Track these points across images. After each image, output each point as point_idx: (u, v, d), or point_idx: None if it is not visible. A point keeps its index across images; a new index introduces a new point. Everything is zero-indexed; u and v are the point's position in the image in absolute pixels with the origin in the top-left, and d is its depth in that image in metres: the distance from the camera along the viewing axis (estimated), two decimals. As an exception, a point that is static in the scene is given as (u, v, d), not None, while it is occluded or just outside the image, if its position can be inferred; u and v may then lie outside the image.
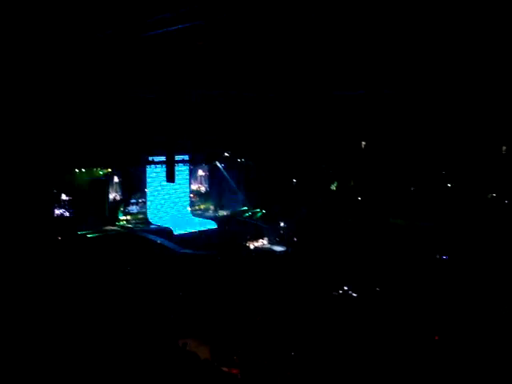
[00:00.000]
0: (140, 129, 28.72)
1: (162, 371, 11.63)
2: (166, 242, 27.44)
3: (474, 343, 14.62)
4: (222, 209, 35.81)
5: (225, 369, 13.20)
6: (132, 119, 28.31)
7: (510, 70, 19.98)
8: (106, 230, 29.28)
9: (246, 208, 36.46)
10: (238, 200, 36.71)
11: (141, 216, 31.80)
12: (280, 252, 26.67)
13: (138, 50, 18.40)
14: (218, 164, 35.41)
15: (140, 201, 31.94)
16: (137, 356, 12.15)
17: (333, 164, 34.40)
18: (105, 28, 16.08)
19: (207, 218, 33.61)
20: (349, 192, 33.86)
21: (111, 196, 30.55)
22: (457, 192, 29.56)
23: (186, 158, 33.23)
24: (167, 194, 32.93)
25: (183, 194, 34.20)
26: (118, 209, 30.99)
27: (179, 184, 32.91)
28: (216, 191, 36.02)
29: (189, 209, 34.46)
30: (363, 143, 33.30)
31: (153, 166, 31.67)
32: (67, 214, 28.20)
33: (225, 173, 35.69)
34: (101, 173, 29.49)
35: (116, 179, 30.98)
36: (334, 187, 34.70)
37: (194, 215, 34.27)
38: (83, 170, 28.55)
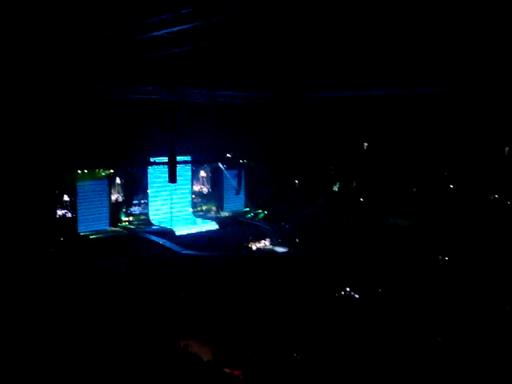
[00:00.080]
0: (142, 130, 28.74)
1: (165, 372, 11.63)
2: (168, 243, 27.42)
3: (477, 344, 14.60)
4: (224, 210, 35.80)
5: (227, 370, 13.20)
6: (134, 120, 28.34)
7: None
8: (108, 231, 29.30)
9: (248, 209, 36.49)
10: (240, 201, 36.72)
11: (143, 217, 31.80)
12: (282, 253, 26.63)
13: (139, 51, 18.39)
14: (220, 165, 35.39)
15: (142, 202, 31.95)
16: (139, 357, 12.15)
17: (335, 165, 34.38)
18: (106, 29, 16.09)
19: (209, 219, 33.61)
20: (351, 193, 33.83)
21: (113, 197, 30.55)
22: (459, 193, 29.51)
23: (188, 158, 33.19)
24: (169, 194, 32.96)
25: (185, 195, 34.19)
26: (120, 210, 30.99)
27: (181, 185, 32.94)
28: (218, 192, 36.01)
29: (191, 210, 34.46)
30: (365, 144, 33.27)
31: (155, 166, 31.63)
32: (69, 214, 28.21)
33: (227, 174, 35.68)
34: (103, 174, 29.47)
35: (118, 180, 30.99)
36: (336, 188, 34.68)
37: (196, 216, 34.27)
38: (85, 171, 28.52)
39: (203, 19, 13.32)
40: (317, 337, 15.38)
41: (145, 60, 19.36)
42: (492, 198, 28.46)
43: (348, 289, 19.85)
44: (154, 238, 28.53)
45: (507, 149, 27.45)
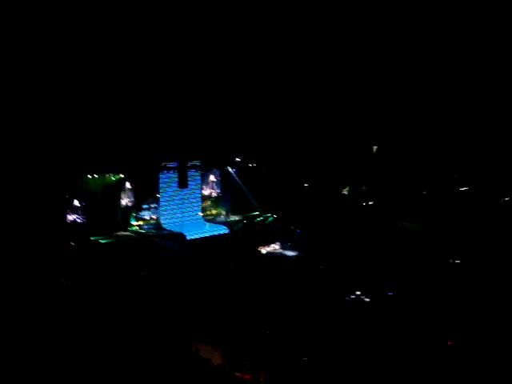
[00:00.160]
0: (152, 135, 28.85)
1: (176, 376, 11.66)
2: (179, 247, 27.48)
3: (488, 348, 14.53)
4: (233, 214, 35.80)
5: (237, 374, 13.21)
6: (145, 125, 28.45)
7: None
8: (119, 236, 29.39)
9: (257, 213, 36.45)
10: (249, 205, 36.70)
11: (153, 221, 31.89)
12: (292, 257, 26.61)
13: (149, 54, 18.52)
14: (230, 169, 35.41)
15: (152, 206, 32.04)
16: (150, 361, 12.18)
17: (345, 168, 34.32)
18: (120, 33, 16.23)
19: (219, 223, 33.64)
20: (361, 196, 33.76)
21: (123, 201, 30.66)
22: (469, 196, 29.39)
23: (198, 163, 33.24)
24: (180, 199, 33.04)
25: (195, 200, 34.24)
26: (131, 214, 31.09)
27: (191, 189, 33.01)
28: (228, 196, 36.01)
29: (201, 214, 34.50)
30: (375, 147, 33.21)
31: (165, 171, 31.73)
32: (80, 219, 28.34)
33: (236, 178, 35.68)
34: (113, 178, 29.59)
35: (128, 185, 31.10)
36: (346, 192, 34.62)
37: (206, 220, 34.31)
38: (96, 175, 28.66)
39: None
40: (327, 340, 15.37)
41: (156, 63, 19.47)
42: (502, 200, 28.33)
43: (358, 292, 19.81)
44: (164, 242, 28.61)
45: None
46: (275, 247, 28.36)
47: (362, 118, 30.87)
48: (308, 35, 15.69)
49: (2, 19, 14.53)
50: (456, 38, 16.90)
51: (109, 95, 25.46)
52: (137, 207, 31.42)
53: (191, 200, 33.86)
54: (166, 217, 32.34)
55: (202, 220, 34.18)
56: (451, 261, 24.26)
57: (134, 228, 30.74)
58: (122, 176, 29.91)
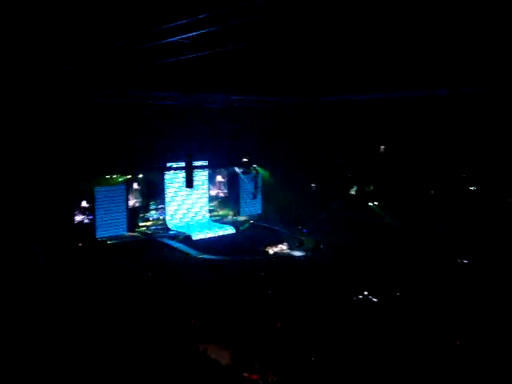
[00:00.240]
0: (159, 135, 28.91)
1: (183, 376, 11.64)
2: (185, 248, 27.52)
3: (496, 348, 14.46)
4: (240, 214, 35.83)
5: (245, 374, 13.19)
6: (151, 126, 28.51)
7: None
8: (126, 236, 29.47)
9: (265, 213, 36.48)
10: (256, 205, 36.74)
11: (160, 222, 31.94)
12: (299, 257, 26.57)
13: (156, 57, 18.52)
14: (237, 169, 35.43)
15: (159, 207, 32.09)
16: (158, 360, 12.17)
17: (352, 168, 34.28)
18: (122, 36, 16.23)
19: (226, 224, 33.67)
20: (368, 196, 33.70)
21: (130, 202, 30.71)
22: (478, 195, 29.26)
23: (205, 163, 33.27)
24: (186, 199, 33.10)
25: (202, 200, 34.28)
26: (138, 215, 31.16)
27: (198, 190, 33.06)
28: (235, 196, 36.05)
29: (208, 214, 34.54)
30: (382, 147, 33.13)
31: (172, 171, 31.80)
32: (87, 220, 28.40)
33: (244, 178, 35.72)
34: (120, 179, 29.65)
35: (135, 185, 31.15)
36: (353, 191, 34.56)
37: (213, 220, 34.33)
38: (103, 176, 28.74)
39: (220, 23, 13.37)
40: (334, 340, 15.33)
41: (162, 65, 19.49)
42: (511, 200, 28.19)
43: (366, 292, 19.76)
44: (171, 242, 28.67)
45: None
46: (282, 247, 28.31)
47: (370, 117, 30.82)
48: (308, 35, 15.64)
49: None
50: (461, 39, 16.82)
51: (114, 95, 25.53)
52: (144, 208, 31.49)
53: (198, 200, 33.90)
54: (172, 217, 32.38)
55: (209, 220, 34.21)
56: (459, 260, 24.18)
57: (141, 229, 30.81)
58: (129, 177, 29.96)
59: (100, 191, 28.58)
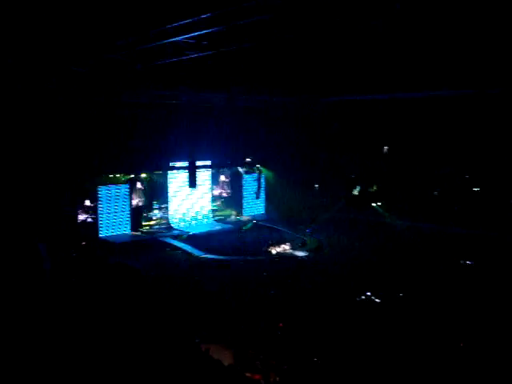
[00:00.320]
0: (162, 134, 28.93)
1: (185, 376, 11.64)
2: (188, 247, 27.53)
3: (500, 350, 14.43)
4: (243, 214, 35.82)
5: (248, 374, 13.19)
6: (154, 125, 28.54)
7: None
8: (129, 235, 29.49)
9: (268, 213, 36.47)
10: (260, 205, 36.73)
11: (163, 221, 31.95)
12: (302, 257, 26.55)
13: (159, 57, 18.51)
14: (240, 169, 35.43)
15: (163, 206, 32.11)
16: (159, 360, 12.18)
17: (355, 168, 34.25)
18: (124, 36, 16.24)
19: (229, 224, 33.65)
20: (371, 197, 33.66)
21: (134, 202, 30.73)
22: (481, 196, 29.23)
23: (208, 163, 33.26)
24: (189, 199, 33.10)
25: (205, 200, 34.27)
26: (141, 214, 31.18)
27: (201, 189, 33.05)
28: (238, 196, 36.04)
29: (210, 214, 34.53)
30: (385, 148, 33.11)
31: (175, 171, 31.80)
32: (90, 219, 28.44)
33: (247, 178, 35.72)
34: (123, 178, 29.69)
35: (139, 185, 31.18)
36: (356, 192, 34.52)
37: (216, 220, 34.33)
38: (106, 176, 28.78)
39: (224, 24, 13.36)
40: (337, 341, 15.32)
41: (164, 65, 19.49)
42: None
43: (368, 293, 19.73)
44: (174, 242, 28.67)
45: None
46: (285, 248, 28.28)
47: (373, 117, 30.80)
48: (315, 35, 15.61)
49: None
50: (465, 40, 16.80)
51: (116, 94, 25.56)
52: (147, 207, 31.52)
53: (201, 200, 33.90)
54: (175, 217, 32.39)
55: (212, 220, 34.21)
56: (462, 262, 24.12)
57: (144, 228, 30.82)
58: (132, 176, 29.99)
59: (103, 190, 28.60)
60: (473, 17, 14.02)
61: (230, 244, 28.92)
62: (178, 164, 31.28)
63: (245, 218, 35.37)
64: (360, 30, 15.22)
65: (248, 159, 35.18)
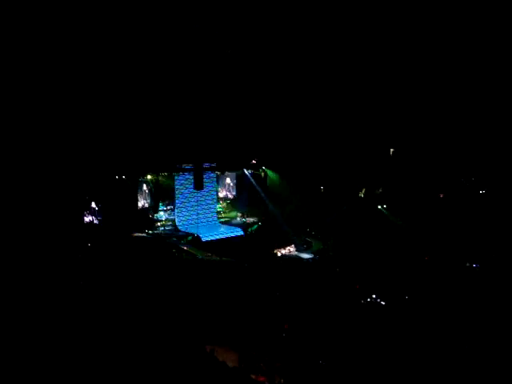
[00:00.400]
0: (168, 137, 28.97)
1: (191, 378, 11.67)
2: (194, 249, 27.56)
3: (506, 353, 14.39)
4: (249, 216, 35.82)
5: (252, 376, 13.20)
6: (161, 128, 28.57)
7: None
8: (135, 237, 29.54)
9: (273, 215, 36.46)
10: (265, 207, 36.71)
11: (169, 223, 32.01)
12: (307, 259, 26.55)
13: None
14: (246, 171, 35.44)
15: (168, 208, 32.17)
16: (166, 362, 12.21)
17: (361, 171, 34.21)
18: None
19: (234, 225, 33.68)
20: (377, 199, 33.62)
21: (140, 203, 30.81)
22: (486, 199, 29.17)
23: (214, 165, 33.29)
24: (195, 201, 33.15)
25: (211, 201, 34.32)
26: (147, 215, 31.24)
27: (207, 191, 33.10)
28: (243, 198, 36.05)
29: (216, 216, 34.56)
30: (391, 150, 33.07)
31: (181, 173, 31.85)
32: (96, 221, 28.53)
33: (252, 180, 35.73)
34: (129, 180, 29.76)
35: (145, 187, 31.27)
36: (362, 194, 34.50)
37: (222, 222, 34.36)
38: (112, 178, 28.86)
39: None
40: (342, 344, 15.31)
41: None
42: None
43: (374, 296, 19.70)
44: (179, 243, 28.71)
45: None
46: (291, 249, 28.31)
47: (379, 120, 30.77)
48: (324, 38, 15.69)
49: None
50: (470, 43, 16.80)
51: (125, 97, 25.62)
52: (153, 209, 31.58)
53: (207, 202, 33.95)
54: (181, 218, 32.45)
55: (218, 222, 34.25)
56: (468, 265, 24.06)
57: (150, 229, 30.88)
58: (139, 178, 30.10)
59: (109, 192, 28.66)
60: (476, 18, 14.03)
61: (236, 246, 28.98)
62: (185, 166, 31.32)
63: (250, 219, 35.39)
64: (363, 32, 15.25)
65: (253, 161, 35.20)
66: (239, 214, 35.83)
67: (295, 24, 13.33)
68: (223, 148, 31.88)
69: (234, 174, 35.98)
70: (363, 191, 34.55)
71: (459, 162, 29.06)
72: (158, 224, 31.62)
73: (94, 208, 28.51)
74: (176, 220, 32.17)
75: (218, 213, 34.93)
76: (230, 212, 35.94)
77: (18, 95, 22.37)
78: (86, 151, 25.83)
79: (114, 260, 25.02)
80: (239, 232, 32.24)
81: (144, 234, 30.23)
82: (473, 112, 26.36)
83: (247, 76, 23.36)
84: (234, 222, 34.97)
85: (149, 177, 31.00)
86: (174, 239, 29.48)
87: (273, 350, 14.74)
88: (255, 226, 33.96)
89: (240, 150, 33.00)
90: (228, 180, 36.33)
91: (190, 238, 30.05)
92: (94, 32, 15.55)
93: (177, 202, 32.27)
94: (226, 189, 36.41)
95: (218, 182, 34.81)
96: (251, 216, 35.79)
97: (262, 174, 35.43)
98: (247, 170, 35.40)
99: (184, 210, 32.64)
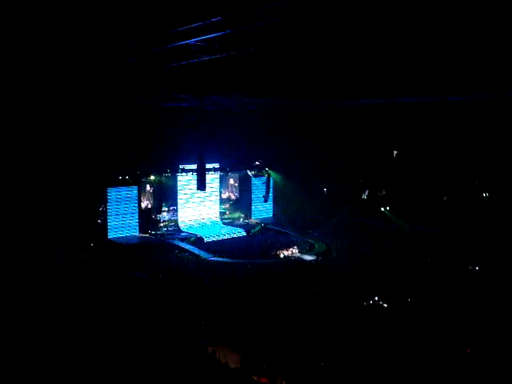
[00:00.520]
0: (172, 137, 28.99)
1: (192, 379, 11.65)
2: (197, 250, 27.56)
3: (507, 356, 14.35)
4: (252, 217, 35.82)
5: (254, 377, 13.18)
6: (163, 128, 28.60)
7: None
8: (138, 237, 29.56)
9: (276, 216, 36.46)
10: (268, 208, 36.71)
11: (172, 223, 32.02)
12: (310, 261, 26.51)
13: (170, 59, 18.57)
14: (249, 172, 35.44)
15: (171, 208, 32.17)
16: (167, 362, 12.20)
17: (364, 173, 34.19)
18: (136, 38, 16.31)
19: (237, 226, 33.66)
20: (380, 201, 33.59)
21: (143, 204, 30.83)
22: (490, 202, 29.11)
23: (217, 165, 33.29)
24: (198, 201, 33.16)
25: (214, 202, 34.32)
26: (150, 216, 31.26)
27: (209, 192, 33.09)
28: (246, 199, 36.05)
29: (219, 217, 34.56)
30: (395, 152, 33.04)
31: (184, 173, 31.84)
32: (99, 221, 28.55)
33: (255, 181, 35.73)
34: (132, 181, 29.78)
35: (148, 187, 31.29)
36: (365, 196, 34.47)
37: (225, 223, 34.35)
38: (115, 178, 28.89)
39: (234, 27, 13.39)
40: (344, 346, 15.28)
41: (175, 68, 19.53)
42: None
43: (376, 298, 19.67)
44: (182, 244, 28.71)
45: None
46: (293, 251, 28.28)
47: (383, 122, 30.74)
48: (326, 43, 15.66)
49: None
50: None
51: (127, 97, 25.64)
52: (156, 209, 31.59)
53: (210, 203, 33.95)
54: (184, 219, 32.45)
55: (221, 223, 34.24)
56: (470, 267, 24.01)
57: (153, 230, 30.89)
58: (141, 179, 30.12)
59: (112, 193, 28.70)
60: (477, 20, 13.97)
61: (240, 247, 28.96)
62: (188, 166, 31.33)
63: (253, 221, 35.39)
64: (365, 34, 15.23)
65: (257, 162, 35.21)
66: (242, 215, 35.83)
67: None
68: (227, 149, 31.91)
69: (237, 174, 35.96)
70: (366, 193, 34.51)
71: (463, 164, 29.00)
72: (161, 224, 31.61)
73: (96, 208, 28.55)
74: (178, 221, 32.17)
75: (221, 214, 34.90)
76: (232, 213, 35.92)
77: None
78: (88, 151, 25.87)
79: (116, 260, 25.08)
80: (242, 233, 32.24)
81: (147, 235, 30.26)
82: (476, 114, 26.32)
83: (248, 76, 23.31)
84: (236, 222, 34.97)
85: (152, 177, 31.01)
86: (177, 240, 29.48)
87: (275, 352, 14.72)
88: (258, 227, 33.95)
89: (244, 151, 33.01)
90: (231, 181, 36.32)
91: (192, 238, 30.05)
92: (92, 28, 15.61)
93: (180, 202, 32.28)
94: (230, 190, 36.40)
95: (220, 182, 34.78)
96: (254, 217, 35.79)
97: (266, 175, 35.41)
98: (250, 171, 35.38)
99: (187, 210, 32.65)
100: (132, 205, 29.74)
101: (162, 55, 18.00)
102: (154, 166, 30.09)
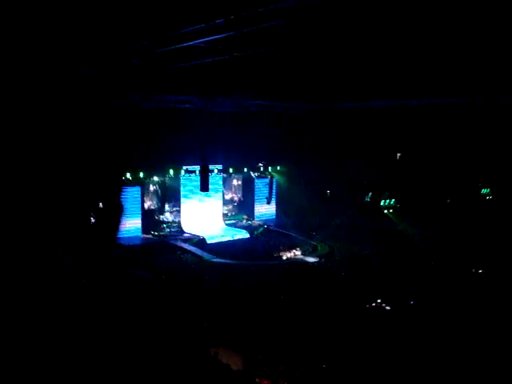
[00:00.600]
0: (175, 138, 28.98)
1: (194, 380, 11.63)
2: (199, 251, 27.55)
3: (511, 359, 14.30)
4: (255, 218, 35.81)
5: (257, 379, 13.15)
6: (166, 129, 28.60)
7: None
8: (140, 238, 29.55)
9: (279, 218, 36.43)
10: (271, 210, 36.69)
11: (175, 224, 32.00)
12: (313, 263, 26.48)
13: (173, 61, 18.58)
14: (252, 173, 35.43)
15: (174, 209, 32.17)
16: (168, 364, 12.18)
17: (367, 175, 34.15)
18: (140, 39, 16.33)
19: (240, 228, 33.64)
20: (384, 203, 33.55)
21: (146, 205, 30.82)
22: (493, 204, 29.06)
23: (220, 167, 33.28)
24: (201, 203, 33.14)
25: (217, 204, 34.30)
26: (153, 217, 31.26)
27: (212, 193, 33.07)
28: (249, 201, 36.04)
29: (222, 218, 34.54)
30: (398, 154, 33.01)
31: (187, 174, 31.82)
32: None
33: (258, 182, 35.72)
34: (135, 181, 29.77)
35: (151, 188, 31.29)
36: (368, 198, 34.43)
37: (227, 224, 34.33)
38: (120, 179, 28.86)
39: (237, 29, 13.41)
40: (347, 348, 15.26)
41: (178, 69, 19.55)
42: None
43: (379, 300, 19.63)
44: (185, 245, 28.70)
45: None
46: (296, 253, 28.25)
47: (386, 124, 30.72)
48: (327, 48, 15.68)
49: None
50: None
51: (130, 98, 25.65)
52: (159, 210, 31.59)
53: (213, 204, 33.93)
54: (187, 220, 32.43)
55: (223, 224, 34.22)
56: (474, 270, 23.96)
57: (155, 231, 30.87)
58: (144, 179, 30.08)
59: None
60: (477, 23, 13.94)
61: (242, 248, 28.94)
62: (191, 168, 31.32)
63: (256, 222, 35.37)
64: (369, 36, 15.22)
65: (260, 164, 35.20)
66: (245, 217, 35.81)
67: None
68: (230, 151, 31.89)
69: (240, 176, 35.95)
70: (369, 195, 34.47)
71: (466, 167, 28.96)
72: (164, 225, 31.61)
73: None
74: (181, 222, 32.16)
75: (224, 215, 34.88)
76: (235, 214, 35.91)
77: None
78: (90, 152, 25.82)
79: (119, 261, 25.04)
80: (245, 234, 32.21)
81: (149, 236, 30.25)
82: (481, 117, 26.27)
83: (249, 77, 23.33)
84: (239, 224, 34.95)
85: (155, 178, 31.00)
86: (180, 240, 29.47)
87: (277, 354, 14.70)
88: (261, 229, 33.92)
89: (247, 152, 33.00)
90: (234, 182, 36.31)
91: (195, 239, 30.03)
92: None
93: (183, 203, 32.27)
94: (233, 191, 36.39)
95: (224, 183, 34.78)
96: (257, 218, 35.78)
97: (269, 176, 35.41)
98: (254, 172, 35.36)
99: (190, 211, 32.63)
100: (135, 205, 29.70)
101: (165, 56, 18.02)
102: (156, 167, 30.06)
